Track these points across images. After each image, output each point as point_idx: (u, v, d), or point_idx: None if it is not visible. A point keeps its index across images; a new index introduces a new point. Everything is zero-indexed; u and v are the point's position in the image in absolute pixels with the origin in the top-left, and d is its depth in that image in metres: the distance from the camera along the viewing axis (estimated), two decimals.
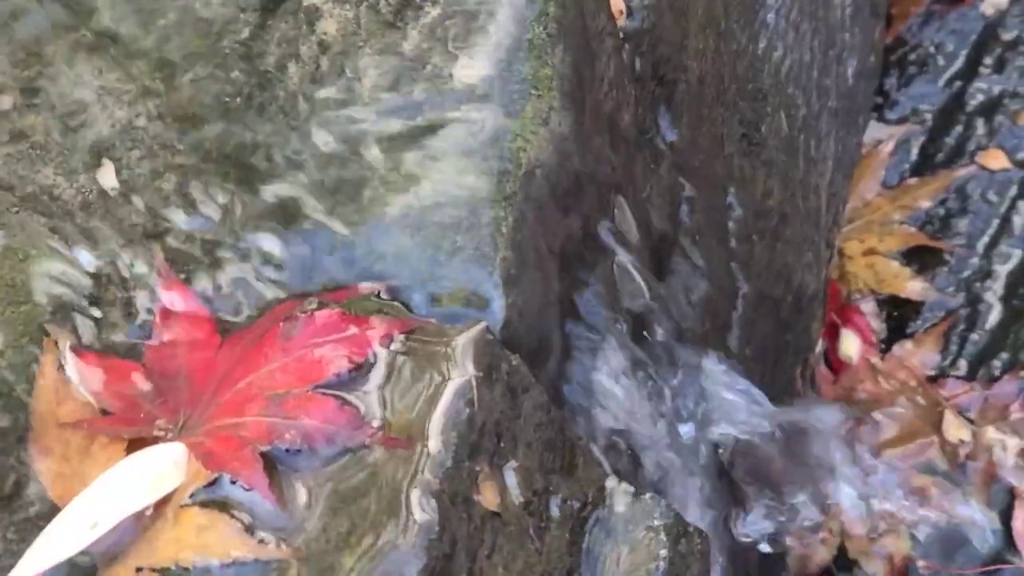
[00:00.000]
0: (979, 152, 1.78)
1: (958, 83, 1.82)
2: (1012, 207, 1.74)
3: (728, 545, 1.23)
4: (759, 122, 1.33)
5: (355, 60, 0.97)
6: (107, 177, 0.96)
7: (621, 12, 1.09)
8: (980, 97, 1.81)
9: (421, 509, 0.81)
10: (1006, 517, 1.59)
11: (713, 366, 1.14)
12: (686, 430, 1.14)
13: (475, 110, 0.95)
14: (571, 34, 0.98)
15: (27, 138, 0.98)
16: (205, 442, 0.85)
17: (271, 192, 0.95)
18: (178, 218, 0.95)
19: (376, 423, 0.84)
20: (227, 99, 0.97)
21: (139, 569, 0.83)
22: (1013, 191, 1.75)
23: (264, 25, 0.99)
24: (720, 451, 1.20)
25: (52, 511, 0.85)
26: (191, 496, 0.84)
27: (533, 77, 0.96)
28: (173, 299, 0.93)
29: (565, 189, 0.98)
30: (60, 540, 0.82)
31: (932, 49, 1.84)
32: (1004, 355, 1.67)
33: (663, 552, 0.92)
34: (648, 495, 0.94)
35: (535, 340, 0.96)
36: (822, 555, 1.58)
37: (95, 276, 0.95)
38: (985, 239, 1.73)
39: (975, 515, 1.57)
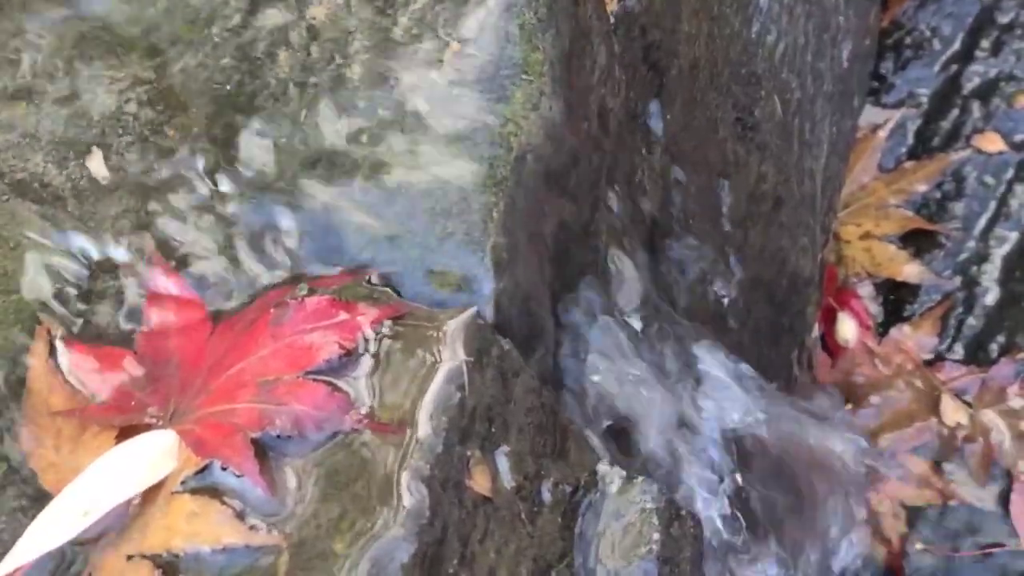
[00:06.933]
0: (975, 135, 1.78)
1: (954, 66, 1.82)
2: (1008, 190, 1.74)
3: None
4: (753, 106, 1.33)
5: (345, 46, 0.97)
6: (97, 165, 0.96)
7: None
8: (976, 80, 1.80)
9: (412, 494, 0.81)
10: (1004, 500, 1.59)
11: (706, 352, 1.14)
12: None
13: (466, 95, 0.95)
14: (562, 19, 0.98)
15: (17, 126, 0.98)
16: (196, 429, 0.85)
17: (261, 179, 0.95)
18: (169, 205, 0.95)
19: (366, 409, 0.84)
20: (217, 86, 0.97)
21: (130, 556, 0.83)
22: (1009, 174, 1.75)
23: (254, 12, 0.99)
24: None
25: (44, 499, 0.85)
26: (182, 483, 0.83)
27: (524, 62, 0.96)
28: (164, 286, 0.93)
29: (556, 174, 0.98)
30: (52, 528, 0.82)
31: (928, 32, 1.84)
32: (1001, 338, 1.67)
33: (656, 536, 0.92)
34: (640, 479, 0.94)
35: (527, 324, 0.96)
36: None
37: (86, 264, 0.94)
38: (981, 222, 1.73)
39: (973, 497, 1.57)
